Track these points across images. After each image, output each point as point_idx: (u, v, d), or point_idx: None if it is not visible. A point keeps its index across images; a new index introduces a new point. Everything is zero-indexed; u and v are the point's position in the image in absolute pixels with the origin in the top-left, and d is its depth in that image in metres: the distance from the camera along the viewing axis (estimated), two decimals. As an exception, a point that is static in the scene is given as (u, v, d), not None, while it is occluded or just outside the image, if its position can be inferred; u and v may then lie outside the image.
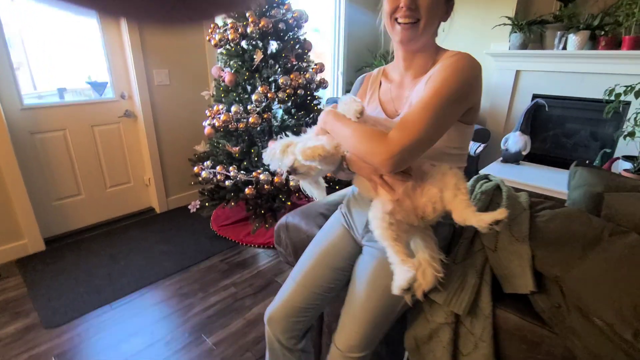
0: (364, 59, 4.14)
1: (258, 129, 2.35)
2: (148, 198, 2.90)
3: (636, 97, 2.42)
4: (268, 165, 2.19)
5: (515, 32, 3.24)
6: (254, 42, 2.31)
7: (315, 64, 2.43)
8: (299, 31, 2.38)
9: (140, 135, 2.70)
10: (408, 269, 0.75)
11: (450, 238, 0.96)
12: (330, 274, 1.01)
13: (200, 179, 2.38)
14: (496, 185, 1.01)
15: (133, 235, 2.51)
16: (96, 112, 2.50)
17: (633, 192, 0.84)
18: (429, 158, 0.85)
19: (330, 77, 3.99)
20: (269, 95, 2.22)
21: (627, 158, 2.56)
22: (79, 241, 2.43)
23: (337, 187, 2.46)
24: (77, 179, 2.51)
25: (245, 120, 2.25)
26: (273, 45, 2.39)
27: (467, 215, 0.72)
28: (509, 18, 3.23)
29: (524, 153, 2.95)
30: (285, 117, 2.48)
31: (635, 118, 2.46)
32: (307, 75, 2.33)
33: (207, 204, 2.46)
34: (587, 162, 2.87)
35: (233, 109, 2.22)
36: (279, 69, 2.33)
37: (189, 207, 2.52)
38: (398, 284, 0.75)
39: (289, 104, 2.44)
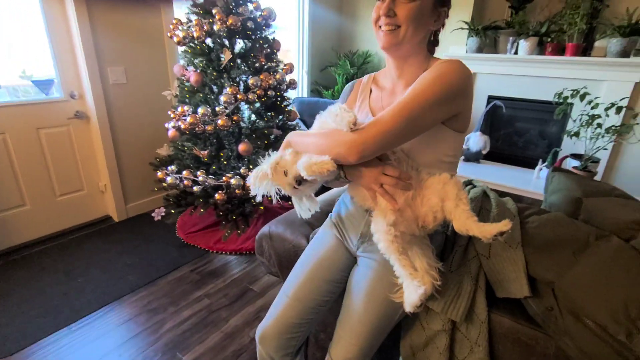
0: (328, 59, 4.13)
1: (226, 131, 2.26)
2: (104, 206, 2.68)
3: (581, 100, 2.64)
4: (243, 162, 2.10)
5: (472, 36, 3.41)
6: (220, 41, 2.21)
7: (285, 65, 2.38)
8: (267, 30, 2.31)
9: (93, 138, 2.49)
10: (418, 284, 0.74)
11: (443, 245, 0.98)
12: (325, 286, 0.99)
13: (165, 184, 2.24)
14: (483, 191, 1.05)
15: (90, 247, 2.31)
16: (42, 114, 2.25)
17: (608, 196, 0.91)
18: (426, 167, 0.86)
19: (295, 76, 3.94)
20: (238, 96, 2.14)
21: (574, 156, 2.79)
22: (27, 257, 2.19)
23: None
24: (21, 187, 2.25)
25: (213, 122, 2.14)
26: (240, 45, 2.30)
27: (470, 225, 0.73)
28: (466, 23, 3.39)
29: (484, 152, 3.11)
30: (255, 118, 2.40)
31: (580, 119, 2.68)
32: (277, 76, 2.27)
33: (172, 211, 2.32)
34: (539, 160, 3.06)
35: (200, 110, 2.11)
36: (248, 70, 2.25)
37: (153, 214, 2.37)
38: (411, 301, 0.74)
39: (259, 105, 2.37)
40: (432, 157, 0.85)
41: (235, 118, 2.17)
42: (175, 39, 2.19)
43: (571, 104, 3.05)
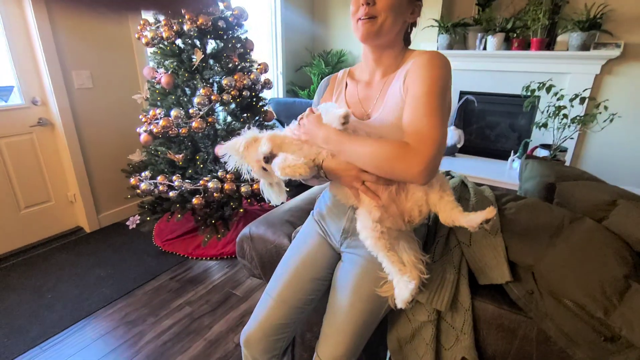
0: (302, 59, 4.12)
1: (201, 134, 2.20)
2: (74, 217, 2.56)
3: (547, 92, 2.75)
4: (221, 165, 2.06)
5: (442, 33, 3.48)
6: (190, 41, 2.15)
7: (259, 64, 2.35)
8: (239, 30, 2.27)
9: (59, 146, 2.37)
10: (409, 280, 0.74)
11: (425, 236, 0.98)
12: (310, 285, 0.97)
13: (139, 191, 2.16)
14: (461, 181, 1.06)
15: (60, 261, 2.19)
16: (1, 122, 2.12)
17: (578, 180, 0.94)
18: None
19: (270, 76, 3.90)
20: (212, 97, 2.09)
21: (543, 146, 2.90)
22: (-10, 275, 2.05)
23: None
24: (-19, 201, 2.11)
25: (187, 125, 2.09)
26: (212, 45, 2.25)
27: (455, 216, 0.73)
28: (436, 20, 3.46)
29: (459, 146, 3.18)
30: (230, 120, 2.36)
31: (547, 111, 2.79)
32: (252, 76, 2.23)
33: (148, 218, 2.24)
34: (511, 151, 3.15)
35: (173, 113, 2.05)
36: (221, 70, 2.21)
37: (128, 223, 2.27)
38: (402, 298, 0.74)
39: (234, 106, 2.33)
40: None
41: (210, 120, 2.12)
42: (143, 40, 2.12)
43: (538, 97, 3.17)
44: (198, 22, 2.03)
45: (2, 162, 2.15)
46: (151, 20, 2.14)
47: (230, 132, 2.24)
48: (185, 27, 2.04)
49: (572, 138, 2.81)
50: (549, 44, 3.21)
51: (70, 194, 2.48)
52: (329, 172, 0.86)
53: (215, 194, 2.12)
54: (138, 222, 2.25)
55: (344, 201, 0.90)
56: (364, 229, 0.80)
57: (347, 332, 0.89)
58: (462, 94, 3.57)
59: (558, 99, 2.71)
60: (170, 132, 2.08)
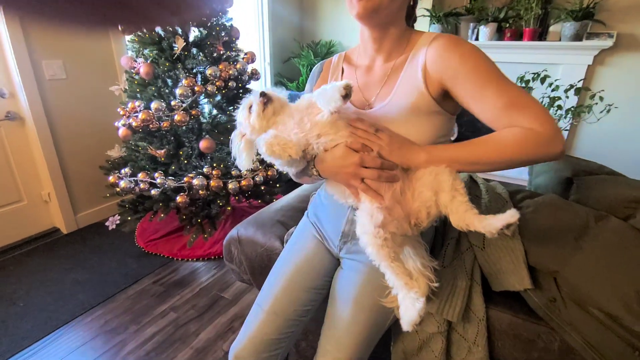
0: (290, 50, 3.98)
1: (185, 127, 2.07)
2: (50, 217, 2.40)
3: (542, 83, 2.69)
4: (207, 160, 1.93)
5: (434, 23, 3.40)
6: (171, 29, 2.00)
7: (246, 53, 2.22)
8: (224, 17, 2.14)
9: (31, 141, 2.20)
10: (416, 297, 0.65)
11: (433, 239, 0.90)
12: (306, 295, 0.87)
13: (118, 189, 2.02)
14: (469, 176, 0.97)
15: (33, 265, 2.04)
16: (-37, 116, 1.95)
17: (597, 174, 0.86)
18: None
19: (257, 67, 3.76)
20: (195, 88, 1.96)
21: (537, 138, 2.85)
22: (-45, 283, 1.89)
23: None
24: (-57, 203, 1.94)
25: (169, 118, 1.95)
26: (195, 33, 2.11)
27: (470, 219, 0.64)
28: (427, 10, 3.37)
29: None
30: (216, 112, 2.23)
31: (542, 101, 2.74)
32: (238, 66, 2.10)
33: (129, 218, 2.11)
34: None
35: (154, 105, 1.91)
36: (205, 59, 2.07)
37: (107, 223, 2.13)
38: (409, 319, 0.65)
39: (219, 98, 2.20)
40: (424, 139, 0.76)
41: (194, 113, 1.99)
42: (120, 27, 1.96)
43: (532, 88, 3.12)
44: (179, 7, 1.89)
45: (-34, 160, 1.98)
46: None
47: (215, 126, 2.12)
48: (165, 13, 1.89)
49: (566, 129, 2.77)
50: (541, 34, 3.16)
51: (44, 192, 2.31)
52: (322, 169, 0.76)
53: (200, 192, 2.00)
54: (118, 222, 2.11)
55: (342, 200, 0.81)
56: (365, 234, 0.70)
57: (348, 347, 0.79)
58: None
59: (553, 90, 2.66)
60: (151, 126, 1.94)
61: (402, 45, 0.80)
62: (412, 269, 0.75)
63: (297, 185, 1.48)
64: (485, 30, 3.22)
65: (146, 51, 2.04)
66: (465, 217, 0.65)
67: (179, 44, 1.94)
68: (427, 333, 0.83)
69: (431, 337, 0.83)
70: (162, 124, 1.95)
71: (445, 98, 0.74)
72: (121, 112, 2.03)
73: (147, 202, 2.07)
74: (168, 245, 2.22)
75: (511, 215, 0.60)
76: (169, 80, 2.06)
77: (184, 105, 1.95)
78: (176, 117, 1.92)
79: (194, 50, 2.05)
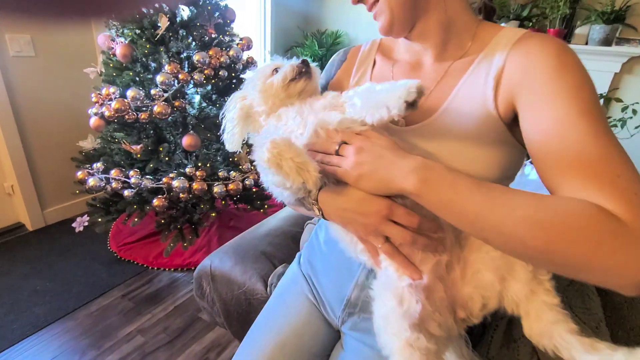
0: (293, 38, 3.70)
1: (168, 120, 1.81)
2: (14, 211, 2.15)
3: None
4: (191, 159, 1.69)
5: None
6: (156, 4, 1.73)
7: (241, 39, 1.95)
8: (218, -5, 1.87)
9: (-8, 126, 1.93)
10: None
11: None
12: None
13: (87, 187, 1.77)
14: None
15: (-13, 268, 1.80)
16: None
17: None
18: None
19: (255, 55, 3.48)
20: (180, 76, 1.70)
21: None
22: None
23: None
24: None
25: (148, 108, 1.69)
26: (184, 11, 1.84)
27: (564, 339, 0.39)
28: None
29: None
30: (204, 104, 1.97)
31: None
32: (231, 52, 1.84)
33: (99, 219, 1.86)
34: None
35: (130, 93, 1.65)
36: (193, 43, 1.81)
37: (74, 224, 1.88)
38: None
39: (209, 88, 1.94)
40: (484, 177, 0.51)
41: (177, 104, 1.73)
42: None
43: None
44: (164, -20, 1.62)
45: None
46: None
47: (202, 120, 1.86)
48: (148, -15, 1.62)
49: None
50: (565, 36, 2.91)
51: (7, 184, 2.06)
52: (327, 203, 0.52)
53: (181, 195, 1.75)
54: (86, 223, 1.86)
55: (353, 254, 0.57)
56: (389, 334, 0.45)
57: None
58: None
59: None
60: (126, 116, 1.69)
61: (463, 40, 0.57)
62: None
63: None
64: (505, 29, 2.96)
65: (127, 30, 1.77)
66: (553, 331, 0.40)
67: (163, 23, 1.67)
68: None
69: None
70: (139, 116, 1.70)
71: (516, 122, 0.50)
72: (94, 99, 1.77)
73: (121, 203, 1.82)
74: (144, 250, 1.98)
75: None
76: (151, 64, 1.80)
77: (166, 95, 1.69)
78: (156, 108, 1.67)
79: (181, 32, 1.79)
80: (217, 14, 1.86)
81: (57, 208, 2.22)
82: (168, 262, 1.90)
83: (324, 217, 0.53)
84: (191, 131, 1.77)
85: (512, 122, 0.51)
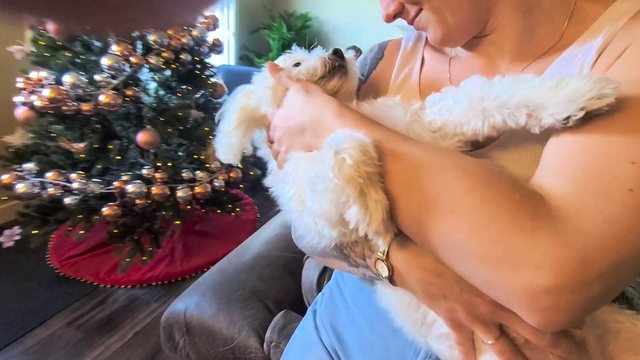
0: (259, 19, 3.41)
1: (119, 111, 1.52)
2: None
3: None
4: (149, 159, 1.44)
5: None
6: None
7: (206, 17, 1.68)
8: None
9: None
10: None
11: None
12: None
13: (16, 192, 1.45)
14: None
15: None
16: None
17: None
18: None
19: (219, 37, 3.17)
20: (132, 59, 1.41)
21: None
22: None
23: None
24: None
25: (93, 98, 1.40)
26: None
27: None
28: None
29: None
30: (163, 93, 1.69)
31: None
32: (194, 33, 1.57)
33: (34, 232, 1.54)
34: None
35: (68, 79, 1.34)
36: (148, 19, 1.51)
37: (1, 239, 1.55)
38: None
39: (168, 73, 1.65)
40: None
41: (129, 93, 1.45)
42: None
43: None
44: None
45: None
46: None
47: (161, 112, 1.58)
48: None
49: None
50: None
51: None
52: (409, 272, 0.36)
53: (137, 201, 1.49)
54: (18, 237, 1.54)
55: (416, 336, 0.39)
56: None
57: None
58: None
59: None
60: (64, 108, 1.38)
61: (555, 24, 0.42)
62: None
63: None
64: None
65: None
66: None
67: (108, -7, 1.36)
68: None
69: None
70: (81, 106, 1.40)
71: None
72: (22, 85, 1.44)
73: (61, 213, 1.51)
74: (93, 265, 1.69)
75: None
76: (95, 44, 1.48)
77: (115, 82, 1.40)
78: (102, 98, 1.37)
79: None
80: (175, -15, 1.57)
81: (-20, 216, 1.84)
82: (123, 279, 1.63)
83: (391, 281, 0.36)
84: (148, 126, 1.50)
85: None
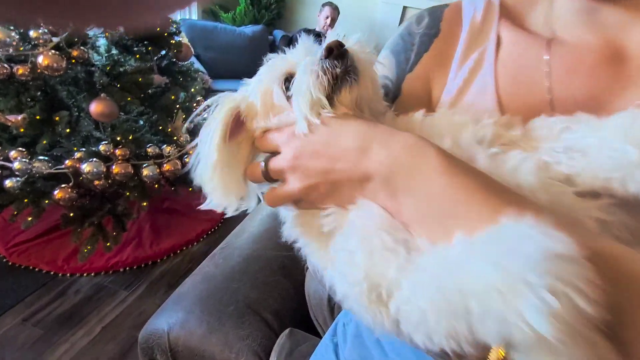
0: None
1: (63, 77, 1.28)
2: None
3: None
4: (105, 131, 1.28)
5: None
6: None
7: (165, -39, 1.41)
8: None
9: None
10: None
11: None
12: None
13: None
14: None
15: None
16: None
17: None
18: None
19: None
20: (76, 12, 1.16)
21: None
22: None
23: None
24: None
25: (29, 59, 1.15)
26: None
27: None
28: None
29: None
30: (116, 53, 1.44)
31: None
32: (152, -19, 1.32)
33: (-28, 219, 1.32)
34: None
35: (-6, 35, 1.08)
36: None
37: None
38: None
39: (122, 30, 1.40)
40: None
41: (75, 53, 1.21)
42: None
43: None
44: None
45: None
46: None
47: (117, 76, 1.35)
48: None
49: None
50: None
51: None
52: None
53: (96, 182, 1.30)
54: (-50, 226, 1.31)
55: None
56: None
57: None
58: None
59: None
60: (-8, 71, 1.13)
61: None
62: None
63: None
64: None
65: None
66: None
67: None
68: None
69: None
70: (15, 69, 1.15)
71: None
72: None
73: (2, 196, 1.29)
74: (48, 251, 1.51)
75: None
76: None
77: (56, 40, 1.15)
78: (41, 60, 1.13)
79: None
80: None
81: None
82: (85, 266, 1.48)
83: None
84: (102, 94, 1.27)
85: None
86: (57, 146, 1.32)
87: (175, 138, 1.53)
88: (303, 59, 0.34)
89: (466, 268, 0.20)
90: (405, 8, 3.09)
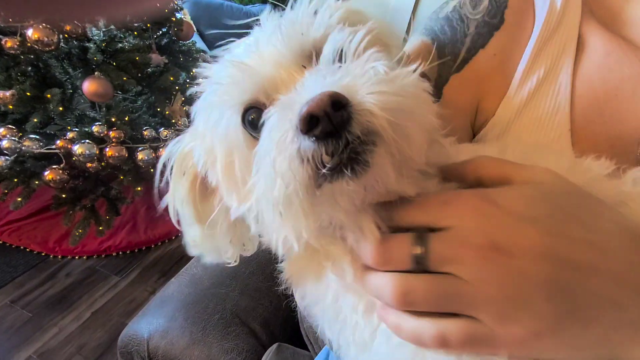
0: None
1: (56, 54, 1.21)
2: None
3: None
4: (92, 129, 1.25)
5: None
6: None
7: None
8: None
9: None
10: None
11: None
12: None
13: None
14: None
15: None
16: None
17: None
18: None
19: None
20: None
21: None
22: None
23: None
24: None
25: (18, 32, 1.09)
26: None
27: None
28: None
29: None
30: (114, 30, 1.37)
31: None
32: (152, -48, 1.23)
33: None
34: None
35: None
36: None
37: None
38: None
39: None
40: None
41: (67, 28, 1.15)
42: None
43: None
44: None
45: None
46: None
47: (113, 55, 1.29)
48: None
49: None
50: None
51: None
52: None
53: (89, 164, 1.25)
54: (-62, 202, 1.28)
55: None
56: None
57: None
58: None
59: None
60: (-22, 43, 1.07)
61: None
62: None
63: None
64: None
65: None
66: None
67: None
68: None
69: None
70: (3, 42, 1.09)
71: None
72: None
73: (-9, 176, 1.25)
74: (39, 232, 1.48)
75: None
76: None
77: (47, 12, 1.08)
78: (31, 33, 1.07)
79: None
80: None
81: None
82: (77, 248, 1.45)
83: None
84: (96, 73, 1.21)
85: None
86: (50, 123, 1.27)
87: (173, 121, 1.47)
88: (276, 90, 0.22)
89: None
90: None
